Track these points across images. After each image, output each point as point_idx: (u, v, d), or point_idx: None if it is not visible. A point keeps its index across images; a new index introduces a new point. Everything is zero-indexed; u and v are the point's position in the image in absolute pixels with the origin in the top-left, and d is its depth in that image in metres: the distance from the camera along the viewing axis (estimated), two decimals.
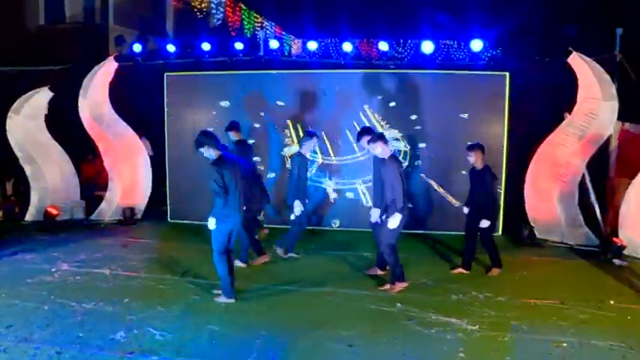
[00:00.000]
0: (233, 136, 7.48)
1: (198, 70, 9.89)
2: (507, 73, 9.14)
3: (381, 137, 6.23)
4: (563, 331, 5.04)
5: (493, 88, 9.16)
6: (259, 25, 20.40)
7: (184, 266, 6.89)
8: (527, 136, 9.37)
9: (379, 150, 6.09)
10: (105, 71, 9.57)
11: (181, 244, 8.14)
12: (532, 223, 8.80)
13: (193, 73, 9.85)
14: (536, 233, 8.70)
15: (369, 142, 6.31)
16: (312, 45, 9.95)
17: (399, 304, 5.73)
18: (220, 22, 19.73)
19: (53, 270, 6.68)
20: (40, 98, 9.57)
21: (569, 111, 8.65)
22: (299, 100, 9.43)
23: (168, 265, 6.97)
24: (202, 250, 6.73)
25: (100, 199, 9.89)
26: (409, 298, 5.94)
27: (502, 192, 9.21)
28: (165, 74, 9.84)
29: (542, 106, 9.42)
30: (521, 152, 9.25)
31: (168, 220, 9.89)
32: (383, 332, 5.02)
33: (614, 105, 8.16)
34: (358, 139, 6.93)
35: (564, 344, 4.73)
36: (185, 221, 9.69)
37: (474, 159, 6.79)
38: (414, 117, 9.28)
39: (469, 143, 7.01)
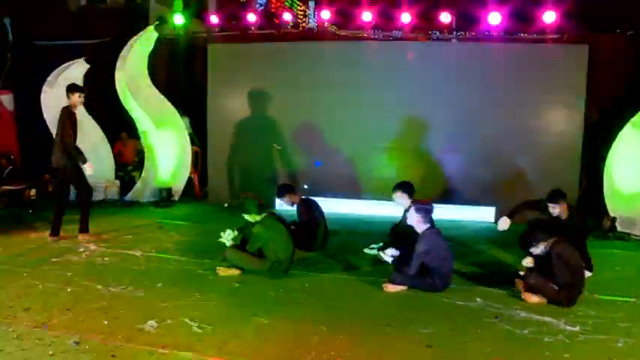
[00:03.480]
0: None
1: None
2: (587, 46, 8.06)
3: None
4: None
5: (571, 62, 8.10)
6: (302, 12, 19.71)
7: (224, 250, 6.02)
8: (606, 117, 8.28)
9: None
10: (143, 42, 8.91)
11: (221, 227, 7.37)
12: (611, 214, 7.72)
13: (239, 44, 9.13)
14: (617, 226, 7.61)
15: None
16: (367, 16, 9.04)
17: (478, 299, 4.86)
18: (263, 7, 19.08)
19: (81, 250, 6.04)
20: (76, 70, 8.97)
21: None
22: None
23: (207, 248, 6.23)
24: None
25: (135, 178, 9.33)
26: (489, 292, 5.05)
27: (577, 179, 8.22)
28: (209, 45, 9.14)
29: (623, 82, 8.34)
30: (599, 135, 8.16)
31: (208, 201, 9.23)
32: (466, 331, 4.14)
33: None
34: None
35: None
36: (225, 204, 9.00)
37: (560, 210, 5.54)
38: (474, 95, 8.30)
39: (550, 194, 5.54)
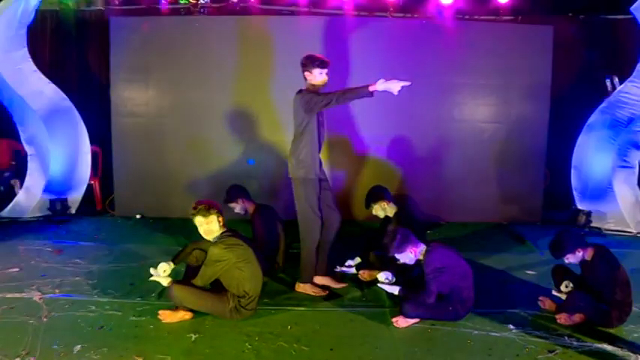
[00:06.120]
0: None
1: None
2: (552, 27, 7.41)
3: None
4: None
5: (534, 45, 7.41)
6: None
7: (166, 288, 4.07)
8: (570, 105, 7.75)
9: None
10: (18, 11, 6.83)
11: (143, 248, 5.72)
12: (579, 207, 7.19)
13: (150, 18, 7.38)
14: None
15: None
16: None
17: (511, 326, 3.87)
18: None
19: None
20: None
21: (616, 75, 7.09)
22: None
23: (134, 279, 4.60)
24: (173, 252, 4.40)
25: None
26: (516, 315, 4.09)
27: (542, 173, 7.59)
28: (111, 19, 7.30)
29: (585, 69, 7.90)
30: (564, 123, 7.60)
31: (114, 213, 7.40)
32: None
33: None
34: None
35: None
36: (138, 215, 7.27)
37: (582, 253, 3.97)
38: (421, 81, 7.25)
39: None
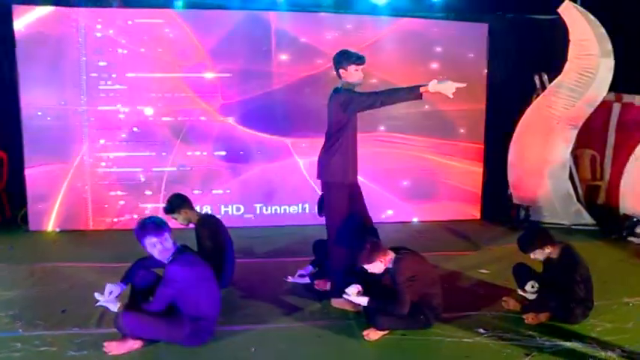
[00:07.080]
0: None
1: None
2: (487, 25, 7.52)
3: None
4: None
5: (469, 42, 7.47)
6: None
7: (92, 306, 3.51)
8: (504, 103, 7.91)
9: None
10: None
11: (70, 266, 5.08)
12: (515, 202, 7.38)
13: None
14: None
15: None
16: None
17: (481, 330, 3.78)
18: None
19: None
20: None
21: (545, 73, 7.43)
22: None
23: (66, 305, 4.01)
24: (107, 271, 4.08)
25: None
26: (482, 317, 4.04)
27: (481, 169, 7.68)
28: (14, 6, 6.45)
29: (516, 67, 8.09)
30: (499, 121, 7.74)
31: (29, 229, 6.59)
32: None
33: (610, 63, 6.94)
34: None
35: None
36: (58, 229, 6.56)
37: (550, 250, 3.97)
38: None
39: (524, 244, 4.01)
